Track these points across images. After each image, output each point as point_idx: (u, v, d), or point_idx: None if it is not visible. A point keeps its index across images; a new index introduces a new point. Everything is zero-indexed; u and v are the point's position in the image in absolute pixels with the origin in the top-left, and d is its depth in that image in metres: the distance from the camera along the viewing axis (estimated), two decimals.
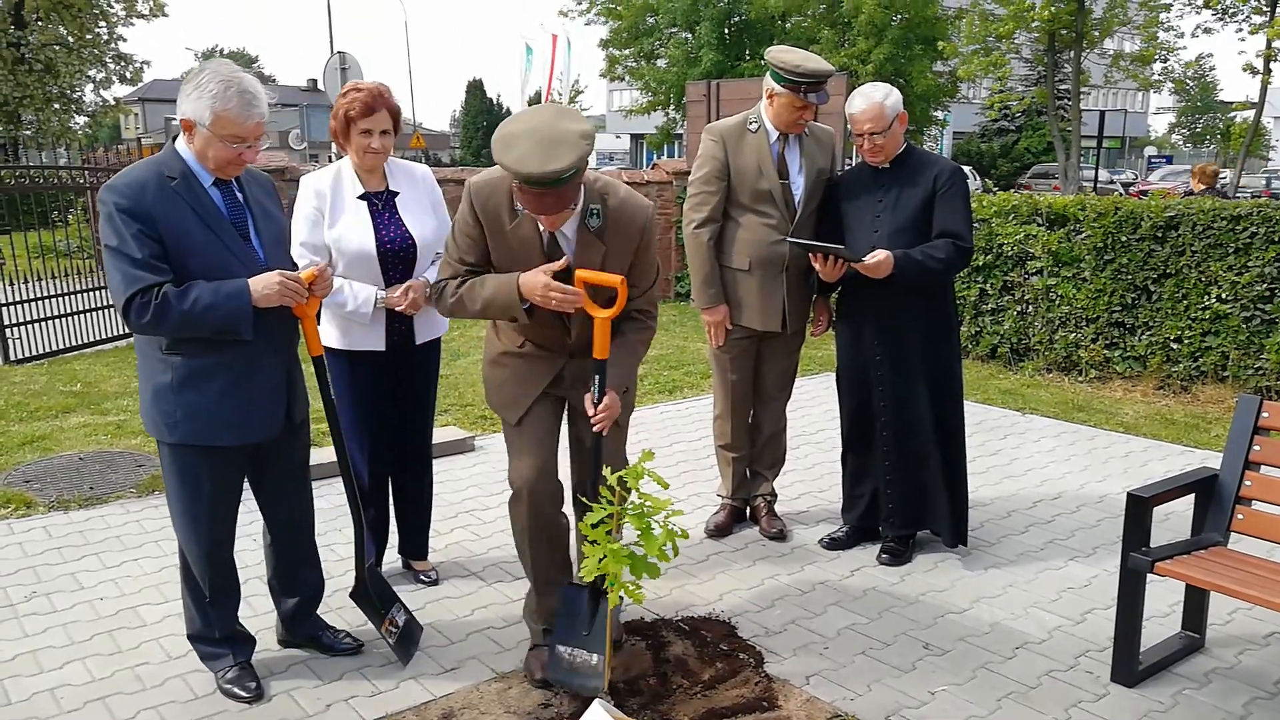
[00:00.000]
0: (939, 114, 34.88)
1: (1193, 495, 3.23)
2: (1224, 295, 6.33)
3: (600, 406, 2.85)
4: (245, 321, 2.66)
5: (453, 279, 2.94)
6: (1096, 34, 27.16)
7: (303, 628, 3.22)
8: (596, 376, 2.88)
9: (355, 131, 3.29)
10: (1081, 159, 28.84)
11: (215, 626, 3.00)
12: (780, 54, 3.76)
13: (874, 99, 3.66)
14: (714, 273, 3.95)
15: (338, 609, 3.53)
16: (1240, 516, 3.13)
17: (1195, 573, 2.91)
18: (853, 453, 4.07)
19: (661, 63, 33.45)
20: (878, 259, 3.58)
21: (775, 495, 4.37)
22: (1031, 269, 7.25)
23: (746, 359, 4.12)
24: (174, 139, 2.75)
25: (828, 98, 3.82)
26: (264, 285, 2.68)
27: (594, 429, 2.88)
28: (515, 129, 2.62)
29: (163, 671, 3.10)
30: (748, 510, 4.38)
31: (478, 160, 44.34)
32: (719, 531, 4.23)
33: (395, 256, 3.38)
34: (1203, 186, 9.84)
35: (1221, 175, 10.75)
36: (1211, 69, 60.38)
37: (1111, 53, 29.28)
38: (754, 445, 4.30)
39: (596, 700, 2.61)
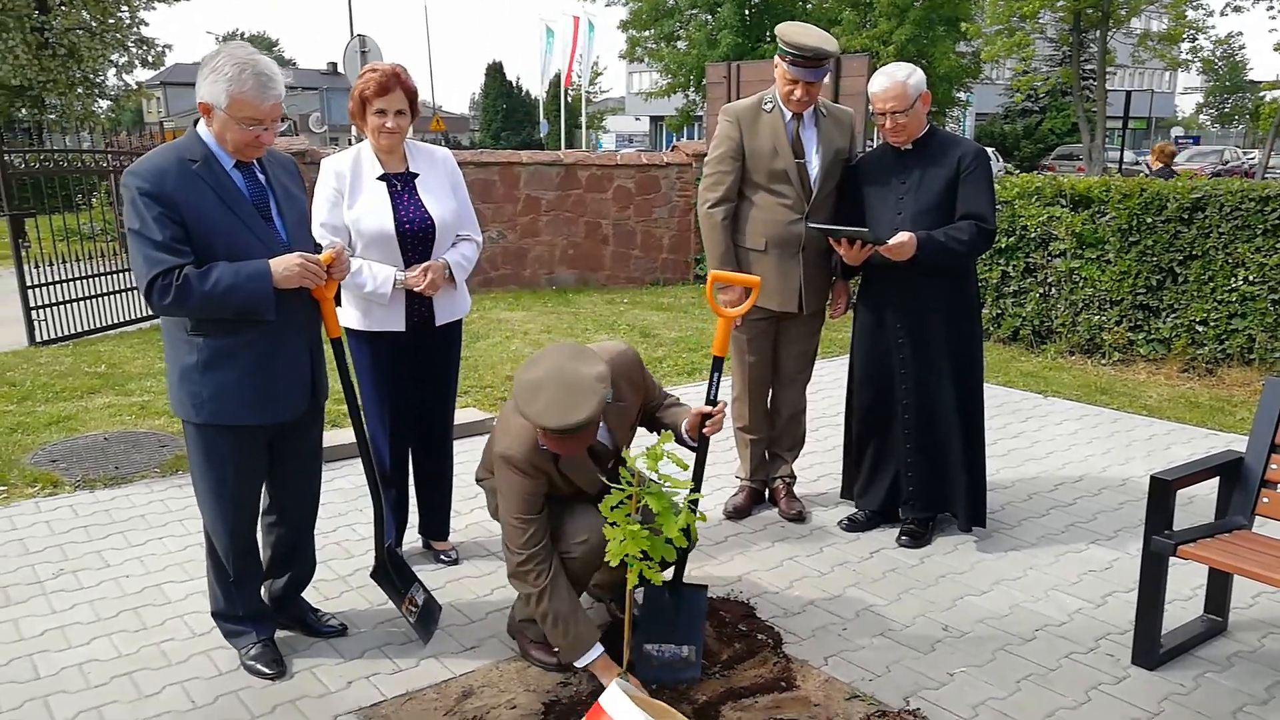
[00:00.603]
0: (961, 95, 34.51)
1: (1217, 479, 3.20)
2: (1251, 277, 6.24)
3: (718, 408, 2.98)
4: (267, 302, 2.69)
5: (537, 558, 2.82)
6: (1123, 13, 26.72)
7: (290, 608, 3.24)
8: (715, 374, 3.01)
9: (370, 111, 3.29)
10: (1107, 140, 28.46)
11: (239, 604, 3.03)
12: (785, 28, 3.77)
13: (896, 78, 3.63)
14: (729, 251, 3.94)
15: (359, 588, 3.56)
16: (1266, 500, 3.10)
17: (1219, 556, 2.88)
18: (872, 435, 4.05)
19: (681, 45, 33.26)
20: (901, 241, 3.55)
21: (794, 477, 4.37)
22: (1055, 251, 7.18)
23: (764, 340, 4.11)
24: (195, 123, 2.77)
25: (821, 75, 3.77)
26: (284, 266, 2.70)
27: (706, 431, 2.97)
28: (536, 375, 2.67)
29: (187, 648, 3.15)
30: (766, 492, 4.38)
31: (496, 143, 44.28)
32: (737, 513, 4.24)
33: (414, 237, 3.39)
34: (1160, 165, 10.11)
35: (1177, 155, 11.40)
36: (1241, 48, 59.27)
37: (1138, 32, 28.83)
38: (773, 427, 4.30)
39: (616, 679, 2.62)
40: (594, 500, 2.87)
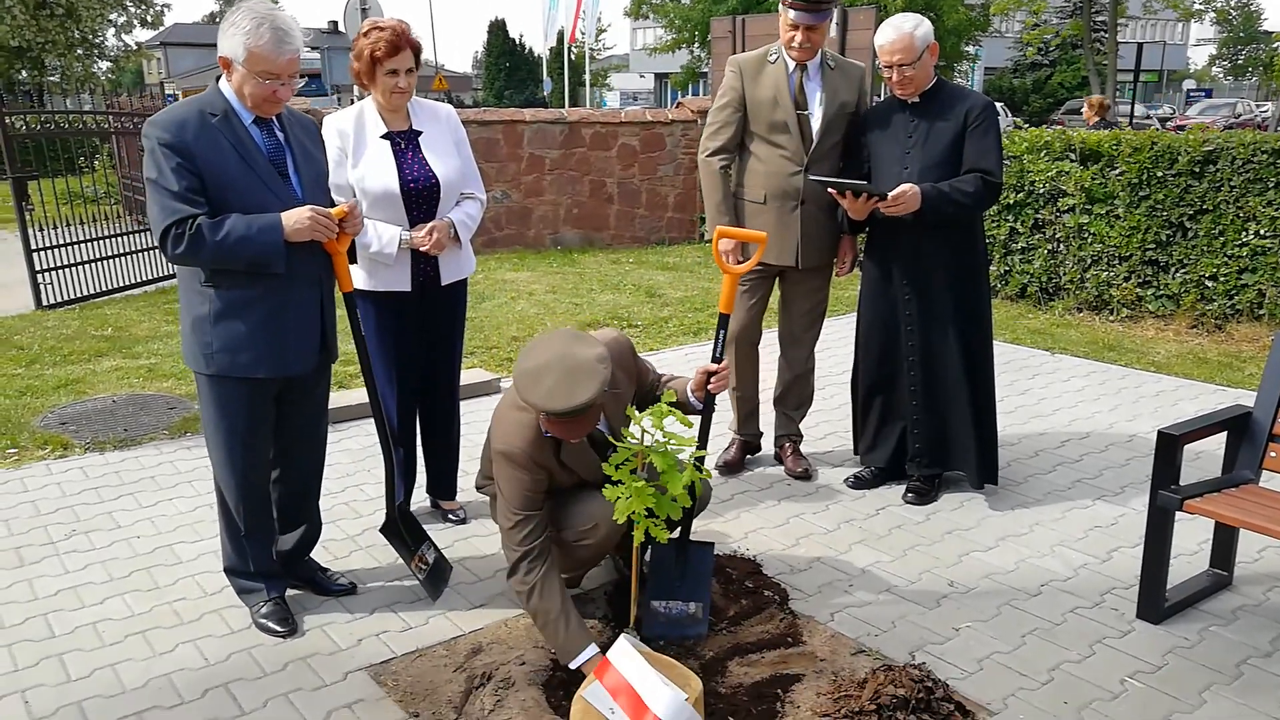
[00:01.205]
0: (970, 49, 34.01)
1: (1224, 434, 3.19)
2: (1263, 231, 6.18)
3: (722, 365, 3.01)
4: (277, 254, 2.72)
5: (531, 555, 2.75)
6: None
7: (300, 567, 3.27)
8: (720, 332, 3.00)
9: (381, 72, 3.25)
10: (1118, 93, 28.07)
11: (250, 560, 3.06)
12: None
13: (903, 29, 3.57)
14: (727, 198, 3.94)
15: (368, 547, 3.59)
16: (1273, 454, 3.09)
17: (1225, 510, 2.88)
18: (879, 391, 4.04)
19: (686, 0, 32.77)
20: (903, 191, 3.52)
21: (801, 435, 4.37)
22: (1064, 206, 7.12)
23: (756, 294, 4.08)
24: (218, 79, 2.80)
25: (822, 19, 3.74)
26: (295, 219, 2.73)
27: (712, 389, 3.00)
28: (537, 362, 2.63)
29: (199, 607, 3.18)
30: (773, 451, 4.39)
31: (499, 102, 43.83)
32: (729, 469, 4.25)
33: (419, 196, 3.36)
34: (1096, 119, 10.17)
35: (1112, 107, 11.70)
36: None
37: None
38: (781, 385, 4.30)
39: (624, 634, 2.65)
40: (597, 487, 2.88)
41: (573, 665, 2.66)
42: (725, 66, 3.98)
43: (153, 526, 3.79)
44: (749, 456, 4.39)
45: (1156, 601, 3.04)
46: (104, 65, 28.77)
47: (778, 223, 3.90)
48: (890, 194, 3.53)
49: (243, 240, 2.67)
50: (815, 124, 3.85)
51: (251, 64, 2.66)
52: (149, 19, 27.35)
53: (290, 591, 3.18)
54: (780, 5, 3.79)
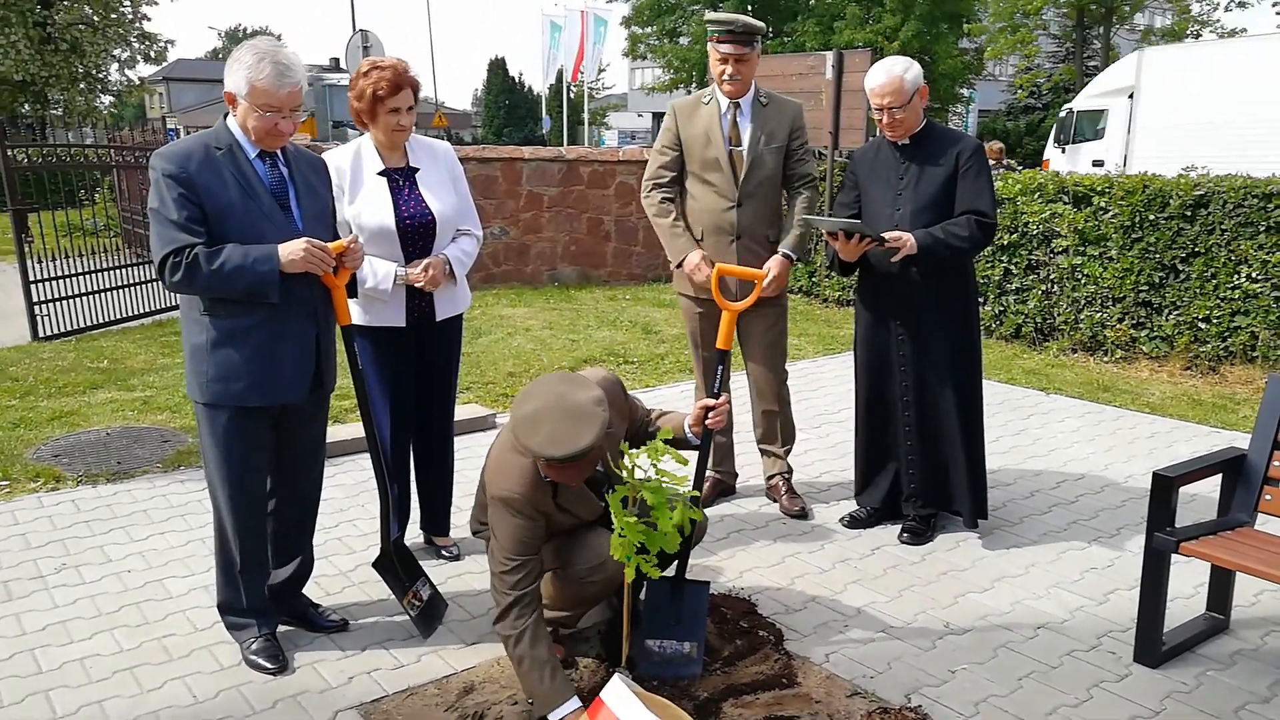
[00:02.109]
0: (964, 91, 34.43)
1: (1219, 477, 3.19)
2: (1254, 274, 6.23)
3: (720, 400, 2.99)
4: (272, 284, 2.75)
5: (523, 600, 2.71)
6: (1127, 9, 26.67)
7: (292, 603, 3.24)
8: (720, 368, 3.01)
9: (383, 110, 3.29)
10: None
11: (244, 594, 3.04)
12: (711, 13, 3.99)
13: (894, 72, 3.62)
14: (674, 226, 4.04)
15: (361, 583, 3.56)
16: (1269, 497, 3.09)
17: (1221, 553, 2.87)
18: (873, 432, 4.05)
19: (684, 40, 33.21)
20: (900, 239, 3.54)
21: (791, 471, 4.37)
22: (1057, 248, 7.17)
23: (713, 333, 4.10)
24: (225, 115, 2.88)
25: (750, 50, 3.89)
26: (290, 251, 2.77)
27: (710, 424, 2.98)
28: (534, 408, 2.61)
29: (189, 643, 3.15)
30: (765, 490, 4.38)
31: (499, 139, 44.21)
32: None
33: (415, 232, 3.38)
34: (992, 163, 10.30)
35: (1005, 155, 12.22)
36: None
37: (1142, 28, 28.78)
38: (758, 424, 4.34)
39: (617, 674, 2.62)
40: (596, 525, 2.86)
41: (552, 717, 2.59)
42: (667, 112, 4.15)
43: (144, 561, 3.77)
44: (724, 498, 4.39)
45: (1154, 645, 3.02)
46: (106, 99, 29.00)
47: (716, 258, 3.98)
48: (887, 237, 3.55)
49: (238, 270, 2.71)
50: (747, 161, 3.95)
51: (254, 97, 2.74)
52: (153, 54, 27.60)
53: (281, 628, 3.16)
54: (709, 43, 3.96)
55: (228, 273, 2.70)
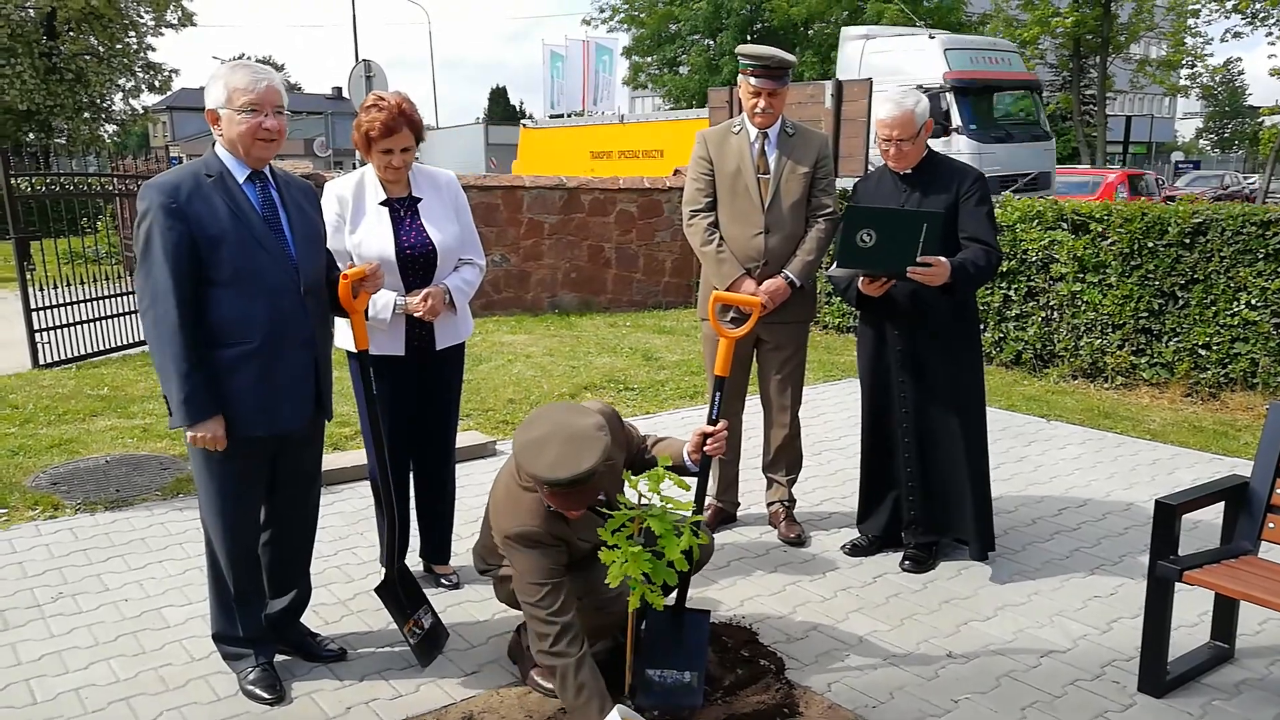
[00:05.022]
0: None
1: (1222, 504, 3.18)
2: (1253, 301, 6.24)
3: (718, 427, 2.99)
4: (173, 403, 2.75)
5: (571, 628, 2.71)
6: (1123, 39, 26.92)
7: (289, 632, 3.22)
8: (716, 394, 3.01)
9: (376, 150, 3.31)
10: (1108, 164, 28.57)
11: (240, 626, 3.02)
12: (745, 46, 3.98)
13: (905, 105, 3.65)
14: (720, 253, 4.03)
15: (359, 611, 3.54)
16: (1271, 525, 3.08)
17: (1225, 581, 2.86)
18: (875, 459, 4.04)
19: (684, 70, 33.52)
20: (932, 268, 3.48)
21: (793, 500, 4.35)
22: (1056, 275, 7.19)
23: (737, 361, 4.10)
24: (213, 144, 2.90)
25: (782, 83, 3.94)
26: (198, 429, 2.76)
27: (709, 451, 2.98)
28: (537, 435, 2.65)
29: (186, 673, 3.12)
30: (766, 516, 4.36)
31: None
32: None
33: (415, 262, 3.39)
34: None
35: None
36: (1240, 74, 59.51)
37: (1137, 58, 29.04)
38: (767, 451, 4.32)
39: (617, 706, 2.60)
40: None
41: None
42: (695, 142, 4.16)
43: (141, 590, 3.74)
44: (726, 526, 4.37)
45: (1158, 674, 3.00)
46: (110, 128, 29.22)
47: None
48: (930, 261, 3.47)
49: (163, 371, 2.74)
50: (772, 188, 3.99)
51: (234, 99, 2.77)
52: (157, 84, 27.85)
53: (279, 657, 3.13)
54: (740, 75, 3.99)
55: (158, 364, 2.74)
